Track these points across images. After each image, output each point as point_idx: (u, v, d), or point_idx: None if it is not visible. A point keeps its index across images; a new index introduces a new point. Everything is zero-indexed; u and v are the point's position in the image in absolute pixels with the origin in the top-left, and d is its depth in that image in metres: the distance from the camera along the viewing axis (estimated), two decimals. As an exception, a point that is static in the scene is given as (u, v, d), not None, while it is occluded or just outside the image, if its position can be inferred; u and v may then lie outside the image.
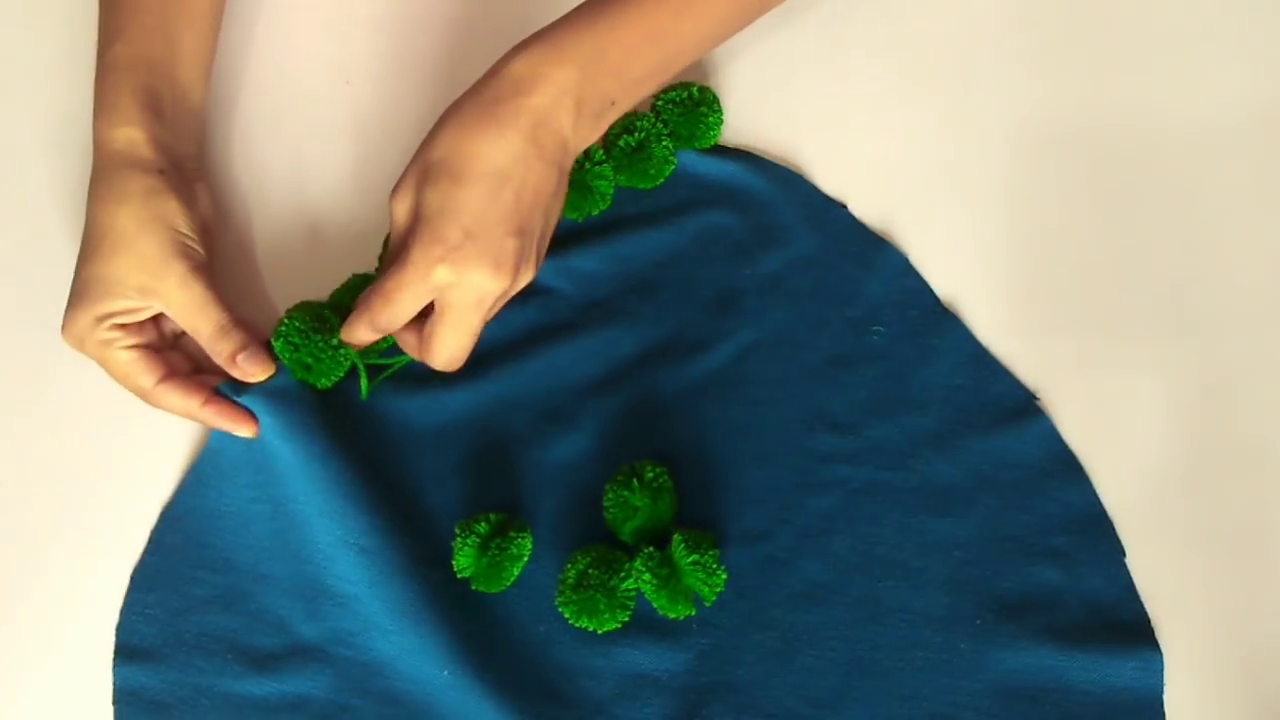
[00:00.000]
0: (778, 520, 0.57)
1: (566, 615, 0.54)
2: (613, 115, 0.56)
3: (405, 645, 0.55)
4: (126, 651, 0.57)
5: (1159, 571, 0.56)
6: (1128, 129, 0.63)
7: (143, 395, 0.57)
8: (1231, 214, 0.61)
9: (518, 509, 0.58)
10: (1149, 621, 0.55)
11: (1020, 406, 0.58)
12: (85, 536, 0.59)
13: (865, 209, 0.62)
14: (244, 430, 0.57)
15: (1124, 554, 0.56)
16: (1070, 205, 0.62)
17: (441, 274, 0.52)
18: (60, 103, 0.65)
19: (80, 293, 0.56)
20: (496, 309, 0.55)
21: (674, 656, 0.55)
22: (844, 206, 0.62)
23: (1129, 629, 0.54)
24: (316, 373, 0.58)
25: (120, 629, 0.57)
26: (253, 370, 0.57)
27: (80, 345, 0.56)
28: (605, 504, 0.56)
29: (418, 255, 0.52)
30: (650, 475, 0.56)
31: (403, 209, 0.54)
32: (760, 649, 0.55)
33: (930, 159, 0.63)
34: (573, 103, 0.53)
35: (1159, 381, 0.59)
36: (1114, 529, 0.56)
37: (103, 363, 0.56)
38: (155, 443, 0.60)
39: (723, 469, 0.58)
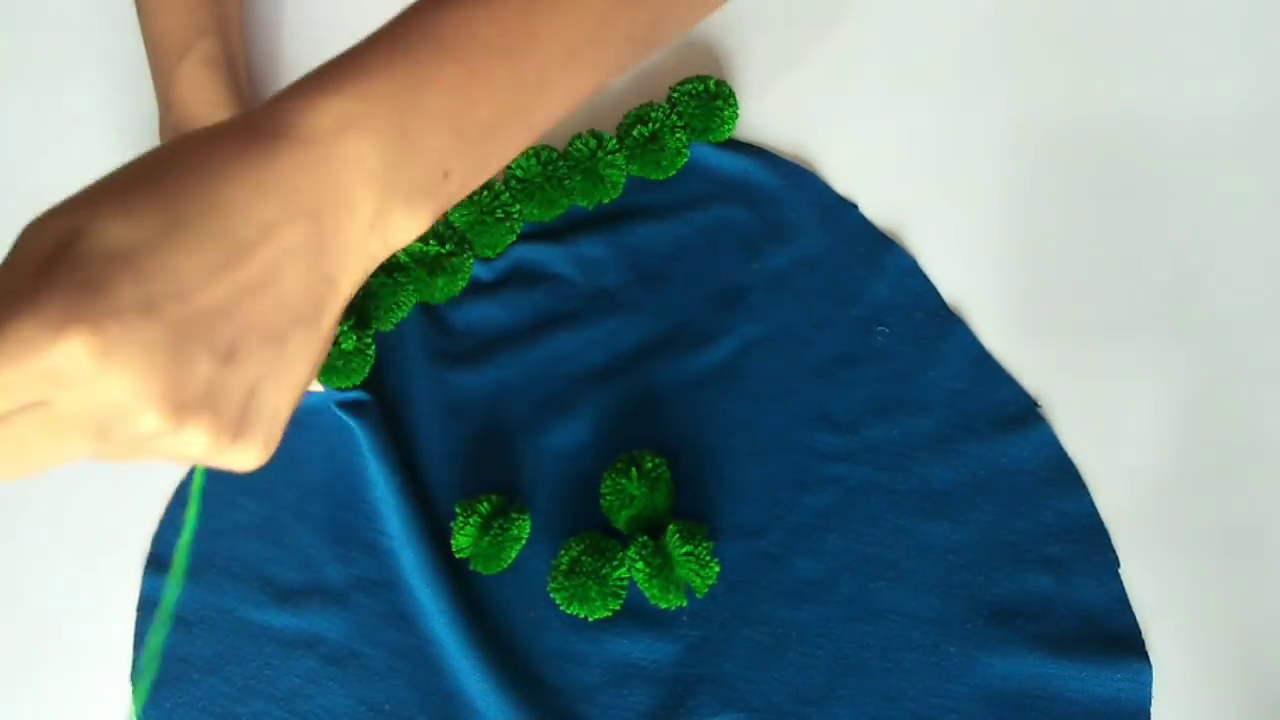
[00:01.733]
0: (772, 516, 0.57)
1: (558, 601, 0.55)
2: (449, 188, 0.36)
3: (424, 605, 0.56)
4: (156, 562, 0.59)
5: (1153, 579, 0.55)
6: (1142, 130, 0.62)
7: None
8: (1235, 216, 0.61)
9: (515, 493, 0.58)
10: (1140, 634, 0.55)
11: (1021, 413, 0.58)
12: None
13: (876, 209, 0.62)
14: None
15: (1118, 565, 0.55)
16: (1081, 208, 0.61)
17: (73, 350, 0.30)
18: (61, 103, 0.66)
19: None
20: (139, 457, 0.34)
21: (663, 647, 0.55)
22: (855, 206, 0.62)
23: (1119, 640, 0.54)
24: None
25: (156, 539, 0.60)
26: None
27: None
28: (602, 491, 0.56)
29: (44, 307, 0.30)
30: (649, 465, 0.56)
31: (41, 237, 0.33)
32: (749, 643, 0.55)
33: (942, 160, 0.63)
34: (381, 171, 0.34)
35: (1162, 386, 0.58)
36: (1110, 539, 0.56)
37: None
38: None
39: (720, 463, 0.58)
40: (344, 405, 0.59)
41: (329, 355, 0.57)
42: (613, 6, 0.39)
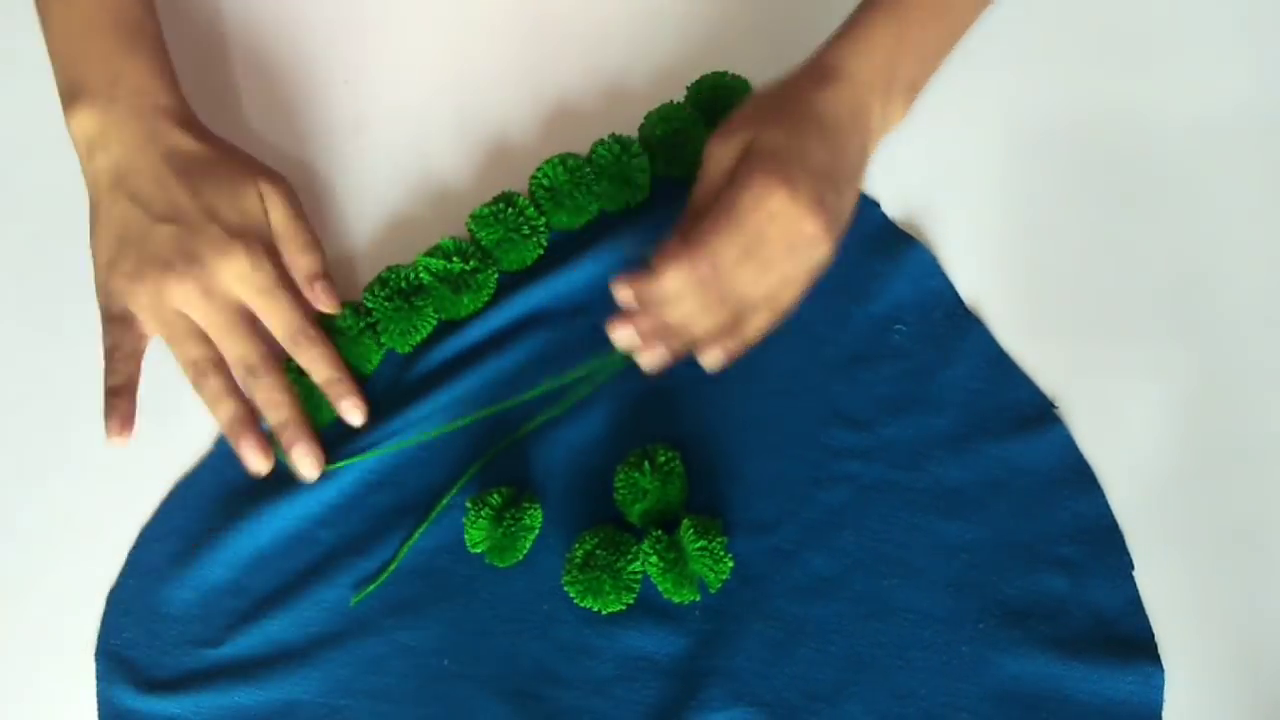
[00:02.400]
0: (786, 512, 0.57)
1: (572, 594, 0.55)
2: (914, 95, 0.57)
3: (401, 640, 0.56)
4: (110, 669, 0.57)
5: (1163, 578, 0.56)
6: (1153, 131, 0.63)
7: (245, 363, 0.56)
8: (1239, 216, 0.61)
9: (526, 486, 0.58)
10: (1152, 636, 0.55)
11: (1037, 413, 0.58)
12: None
13: (897, 206, 0.62)
14: (259, 462, 0.57)
15: (1132, 567, 0.56)
16: (1101, 209, 0.61)
17: (781, 197, 0.51)
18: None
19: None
20: (800, 268, 0.53)
21: (675, 640, 0.55)
22: (877, 205, 0.62)
23: (1132, 642, 0.54)
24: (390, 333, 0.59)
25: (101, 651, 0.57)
26: (328, 300, 0.58)
27: (233, 287, 0.56)
28: (615, 485, 0.56)
29: (757, 179, 0.51)
30: (662, 459, 0.56)
31: (728, 149, 0.53)
32: (761, 638, 0.55)
33: (963, 160, 0.63)
34: (881, 90, 0.55)
35: (1175, 386, 0.59)
36: (1124, 541, 0.56)
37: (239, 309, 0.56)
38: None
39: (734, 458, 0.58)
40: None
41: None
42: None
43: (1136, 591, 0.55)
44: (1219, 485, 0.57)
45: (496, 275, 0.61)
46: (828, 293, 0.60)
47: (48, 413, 0.61)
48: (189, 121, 0.58)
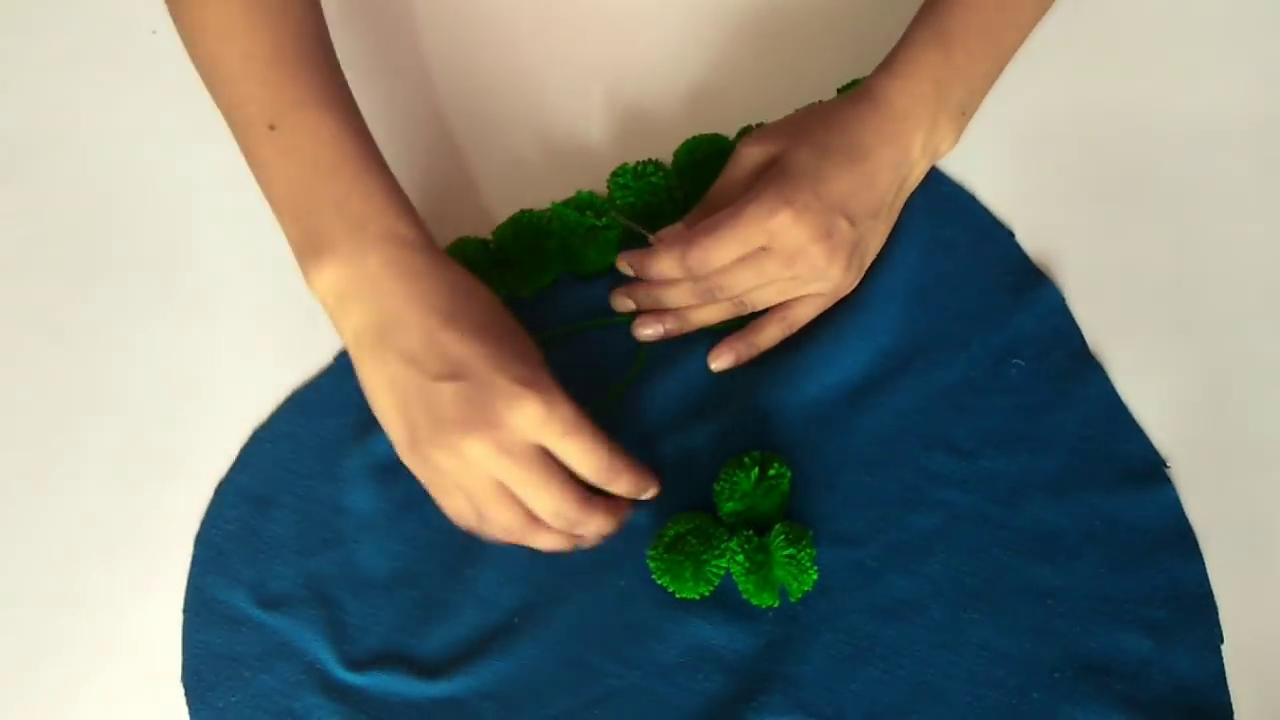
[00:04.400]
0: (876, 529, 0.56)
1: (652, 569, 0.55)
2: (965, 121, 0.58)
3: (476, 589, 0.57)
4: (203, 561, 0.59)
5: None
6: None
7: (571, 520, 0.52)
8: (1239, 216, 0.60)
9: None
10: (1231, 714, 0.53)
11: (1147, 469, 0.56)
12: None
13: (1032, 238, 0.61)
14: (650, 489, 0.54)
15: (1221, 641, 0.54)
16: (1101, 208, 0.61)
17: (783, 219, 0.53)
18: (61, 103, 0.66)
19: (532, 383, 0.50)
20: (802, 289, 0.56)
21: (744, 638, 0.55)
22: (1011, 234, 0.60)
23: (1210, 717, 0.53)
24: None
25: (199, 539, 0.59)
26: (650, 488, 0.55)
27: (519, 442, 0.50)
28: (720, 476, 0.56)
29: (767, 196, 0.53)
30: (773, 472, 0.56)
31: (756, 155, 0.56)
32: (830, 650, 0.55)
33: (967, 158, 0.62)
34: (927, 120, 0.55)
35: (1175, 385, 0.58)
36: (1217, 613, 0.55)
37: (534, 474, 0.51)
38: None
39: (831, 466, 0.57)
40: None
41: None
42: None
43: (1222, 666, 0.54)
44: (1219, 485, 0.56)
45: (618, 235, 0.60)
46: (949, 316, 0.59)
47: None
48: (432, 251, 0.53)
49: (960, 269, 0.60)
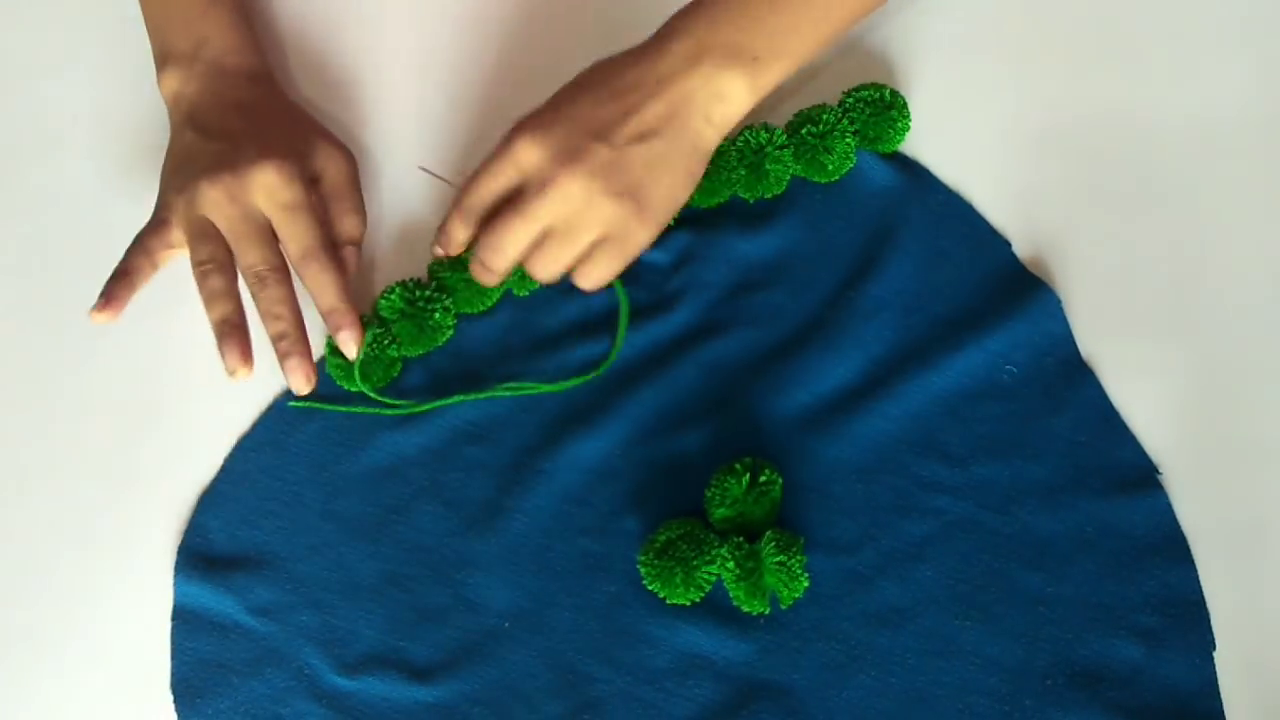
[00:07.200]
0: (867, 536, 0.56)
1: (643, 574, 0.55)
2: (759, 69, 0.56)
3: (465, 595, 0.57)
4: (188, 568, 0.58)
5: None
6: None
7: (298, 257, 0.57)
8: (1239, 216, 0.60)
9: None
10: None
11: (1140, 477, 0.56)
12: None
13: (1028, 241, 0.61)
14: (236, 362, 0.56)
15: (1214, 647, 0.54)
16: (1100, 208, 0.61)
17: (522, 144, 0.54)
18: (61, 103, 0.66)
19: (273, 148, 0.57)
20: (580, 240, 0.55)
21: (736, 646, 0.55)
22: (1008, 244, 0.61)
23: (1201, 724, 0.53)
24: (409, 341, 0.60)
25: (182, 548, 0.59)
26: (353, 268, 0.60)
27: (272, 193, 0.57)
28: (711, 481, 0.56)
29: (512, 133, 0.55)
30: (764, 479, 0.55)
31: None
32: (822, 658, 0.55)
33: (965, 158, 0.62)
34: (709, 63, 0.55)
35: (1174, 384, 0.58)
36: (1209, 620, 0.54)
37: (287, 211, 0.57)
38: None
39: (823, 474, 0.57)
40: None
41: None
42: None
43: (1214, 673, 0.54)
44: (1219, 485, 0.56)
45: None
46: (942, 323, 0.59)
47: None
48: (269, 80, 0.62)
49: (955, 278, 0.60)
